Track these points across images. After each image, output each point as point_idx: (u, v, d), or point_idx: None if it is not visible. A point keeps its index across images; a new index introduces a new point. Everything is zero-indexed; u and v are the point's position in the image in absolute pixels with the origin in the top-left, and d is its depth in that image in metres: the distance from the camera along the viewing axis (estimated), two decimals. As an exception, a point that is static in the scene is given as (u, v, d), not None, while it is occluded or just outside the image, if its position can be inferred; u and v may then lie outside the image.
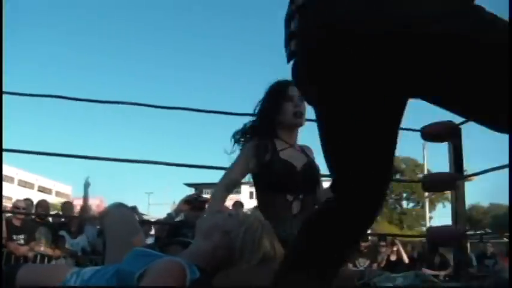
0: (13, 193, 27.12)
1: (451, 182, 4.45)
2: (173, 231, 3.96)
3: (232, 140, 2.53)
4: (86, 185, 6.92)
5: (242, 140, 2.53)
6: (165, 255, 1.93)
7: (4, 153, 3.01)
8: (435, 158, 24.82)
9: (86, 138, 72.10)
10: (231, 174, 2.47)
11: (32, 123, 78.69)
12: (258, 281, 1.79)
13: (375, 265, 8.65)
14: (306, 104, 2.41)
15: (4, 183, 41.80)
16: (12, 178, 46.87)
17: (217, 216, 1.97)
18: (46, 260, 6.52)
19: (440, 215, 48.56)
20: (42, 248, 6.54)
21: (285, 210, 2.30)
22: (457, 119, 4.44)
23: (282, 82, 2.52)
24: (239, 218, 1.91)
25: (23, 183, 48.81)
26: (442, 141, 4.60)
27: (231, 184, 2.47)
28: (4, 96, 3.41)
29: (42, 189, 51.17)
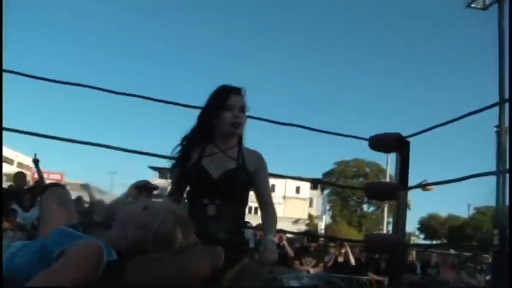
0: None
1: (393, 192, 4.58)
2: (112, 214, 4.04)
3: (180, 143, 2.66)
4: (35, 161, 6.96)
5: (185, 142, 2.64)
6: (86, 236, 2.01)
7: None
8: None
9: (53, 115, 71.33)
10: (170, 190, 2.71)
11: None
12: (171, 269, 1.90)
13: (321, 265, 8.84)
14: (245, 114, 2.59)
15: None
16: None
17: (134, 209, 2.06)
18: (-7, 231, 6.49)
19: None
20: (-10, 220, 6.54)
21: (201, 212, 2.45)
22: (405, 131, 4.61)
23: (224, 90, 2.61)
24: (154, 211, 2.01)
25: (-20, 151, 48.02)
26: (388, 151, 4.74)
27: (170, 198, 2.63)
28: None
29: (3, 160, 50.37)
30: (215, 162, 2.54)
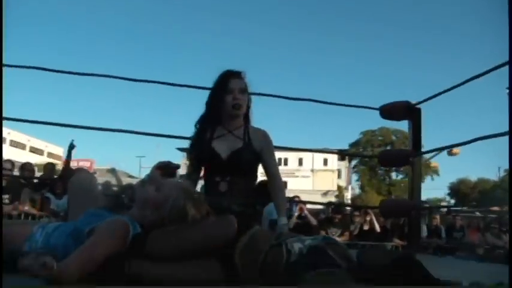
0: (4, 153, 27.29)
1: (405, 158, 4.73)
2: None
3: (194, 127, 2.90)
4: (71, 147, 7.11)
5: (198, 125, 2.89)
6: (113, 215, 2.26)
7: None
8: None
9: (78, 104, 72.19)
10: (188, 168, 2.91)
11: (24, 91, 78.92)
12: (189, 237, 2.13)
13: (347, 234, 9.02)
14: (246, 95, 2.81)
15: (-5, 143, 42.02)
16: (4, 138, 46.90)
17: (148, 191, 2.29)
18: (30, 219, 6.81)
19: (428, 187, 49.20)
20: (26, 208, 6.86)
21: (213, 188, 2.71)
22: (414, 98, 4.74)
23: (224, 75, 2.83)
24: (166, 191, 2.24)
25: (15, 144, 48.78)
26: (399, 119, 4.85)
27: (187, 179, 2.85)
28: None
29: (34, 150, 51.18)
30: (223, 142, 2.76)
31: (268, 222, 5.49)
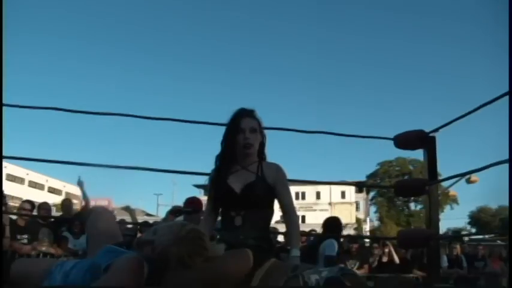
0: (23, 194, 27.53)
1: (422, 187, 4.70)
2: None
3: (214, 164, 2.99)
4: (80, 184, 7.20)
5: (215, 163, 2.96)
6: (129, 251, 2.27)
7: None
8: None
9: (94, 144, 73.00)
10: (206, 205, 3.00)
11: (41, 131, 80.00)
12: (204, 274, 2.13)
13: (366, 266, 8.92)
14: (257, 133, 2.87)
15: (14, 184, 42.55)
16: (23, 179, 47.35)
17: (148, 233, 2.31)
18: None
19: (448, 217, 48.66)
20: (44, 248, 6.88)
21: (229, 223, 2.76)
22: (427, 127, 4.73)
23: (237, 115, 2.90)
24: (158, 234, 2.25)
25: (33, 184, 49.20)
26: (414, 148, 4.83)
27: (207, 214, 3.00)
28: (7, 108, 3.78)
29: (52, 190, 51.57)
30: (237, 178, 2.81)
31: (324, 258, 5.55)
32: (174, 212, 2.72)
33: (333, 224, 6.25)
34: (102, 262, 2.18)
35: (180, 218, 3.09)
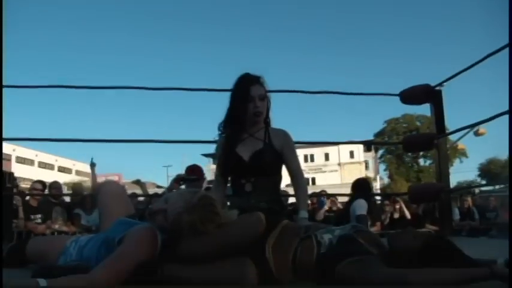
0: (34, 175, 27.69)
1: (430, 141, 4.69)
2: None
3: (218, 130, 2.99)
4: (92, 165, 7.30)
5: (221, 130, 2.97)
6: (142, 222, 2.28)
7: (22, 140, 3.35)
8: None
9: (100, 120, 73.11)
10: (216, 173, 3.03)
11: (48, 110, 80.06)
12: (219, 239, 2.13)
13: (378, 224, 8.94)
14: (265, 100, 2.86)
15: (24, 166, 42.83)
16: (33, 160, 47.62)
17: (159, 202, 2.30)
18: (63, 236, 6.89)
19: (458, 171, 48.67)
20: (57, 226, 6.96)
21: (240, 190, 2.82)
22: (433, 81, 4.69)
23: (244, 81, 2.87)
24: (170, 204, 2.21)
25: (43, 165, 49.46)
26: (420, 103, 4.82)
27: (216, 182, 3.02)
28: (9, 89, 3.77)
29: (62, 169, 51.89)
30: (245, 145, 2.84)
31: (355, 217, 5.81)
32: (178, 180, 2.77)
33: (362, 185, 6.51)
34: (116, 235, 2.18)
35: (183, 187, 3.12)
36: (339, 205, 8.99)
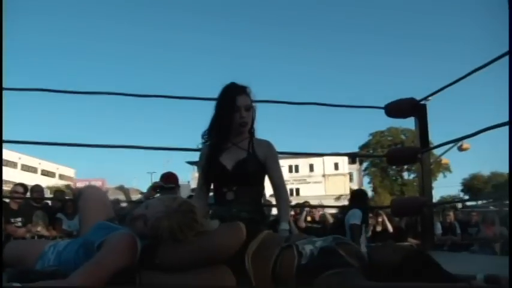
0: (16, 178, 27.43)
1: (414, 155, 4.71)
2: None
3: (201, 138, 2.97)
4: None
5: (205, 138, 2.95)
6: (122, 227, 2.26)
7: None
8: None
9: (86, 124, 72.74)
10: (198, 181, 3.01)
11: (33, 114, 79.61)
12: (198, 247, 2.12)
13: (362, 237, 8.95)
14: (251, 111, 2.85)
15: (7, 168, 42.42)
16: (15, 163, 47.21)
17: (140, 208, 2.31)
18: (43, 240, 6.83)
19: (441, 185, 48.94)
20: (38, 229, 6.90)
21: (221, 198, 2.80)
22: (419, 95, 4.72)
23: (231, 91, 2.86)
24: (151, 209, 2.23)
25: (26, 168, 49.08)
26: (405, 117, 4.83)
27: (199, 190, 2.98)
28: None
29: (45, 173, 51.50)
30: (229, 154, 2.82)
31: (349, 226, 6.19)
32: (155, 187, 2.79)
33: (359, 195, 6.95)
34: (95, 239, 2.16)
35: (158, 195, 3.13)
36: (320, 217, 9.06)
